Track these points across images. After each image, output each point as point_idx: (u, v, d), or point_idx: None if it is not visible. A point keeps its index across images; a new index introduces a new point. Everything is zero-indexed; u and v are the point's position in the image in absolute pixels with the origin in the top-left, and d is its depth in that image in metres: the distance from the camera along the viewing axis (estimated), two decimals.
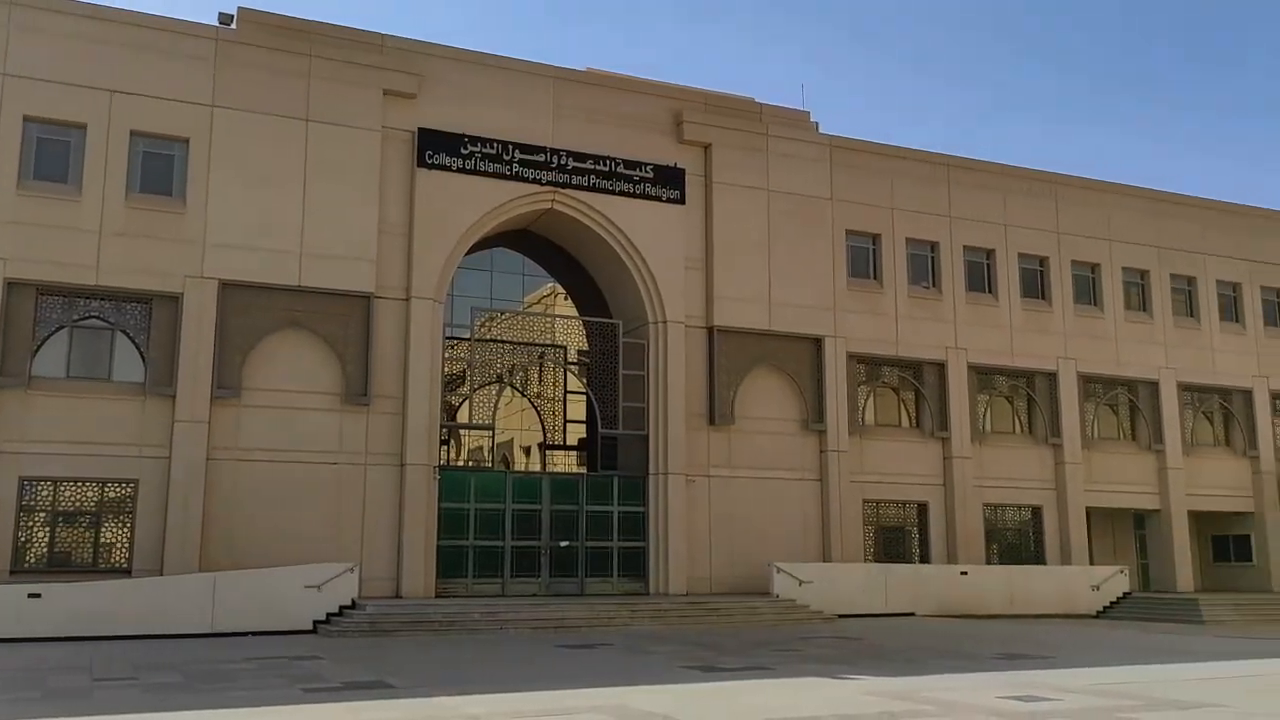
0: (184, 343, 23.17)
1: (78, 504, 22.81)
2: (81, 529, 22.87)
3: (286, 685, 13.53)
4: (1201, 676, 14.62)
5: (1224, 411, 35.79)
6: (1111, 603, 30.58)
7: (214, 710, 11.46)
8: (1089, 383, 33.48)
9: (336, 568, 22.18)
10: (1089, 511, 32.83)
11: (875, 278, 30.88)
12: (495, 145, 26.41)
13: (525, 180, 26.66)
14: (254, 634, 20.62)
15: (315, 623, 21.45)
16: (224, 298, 23.69)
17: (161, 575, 22.01)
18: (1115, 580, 31.02)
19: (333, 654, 17.32)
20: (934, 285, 31.63)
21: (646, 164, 27.94)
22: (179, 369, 23.10)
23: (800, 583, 26.36)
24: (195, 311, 23.33)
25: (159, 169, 23.94)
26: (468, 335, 27.07)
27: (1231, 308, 36.08)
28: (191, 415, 23.02)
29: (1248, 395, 35.55)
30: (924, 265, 31.70)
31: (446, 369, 26.68)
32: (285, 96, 24.72)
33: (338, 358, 24.57)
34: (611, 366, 27.89)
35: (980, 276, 32.35)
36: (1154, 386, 34.11)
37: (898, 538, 30.76)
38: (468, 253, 26.75)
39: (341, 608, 21.89)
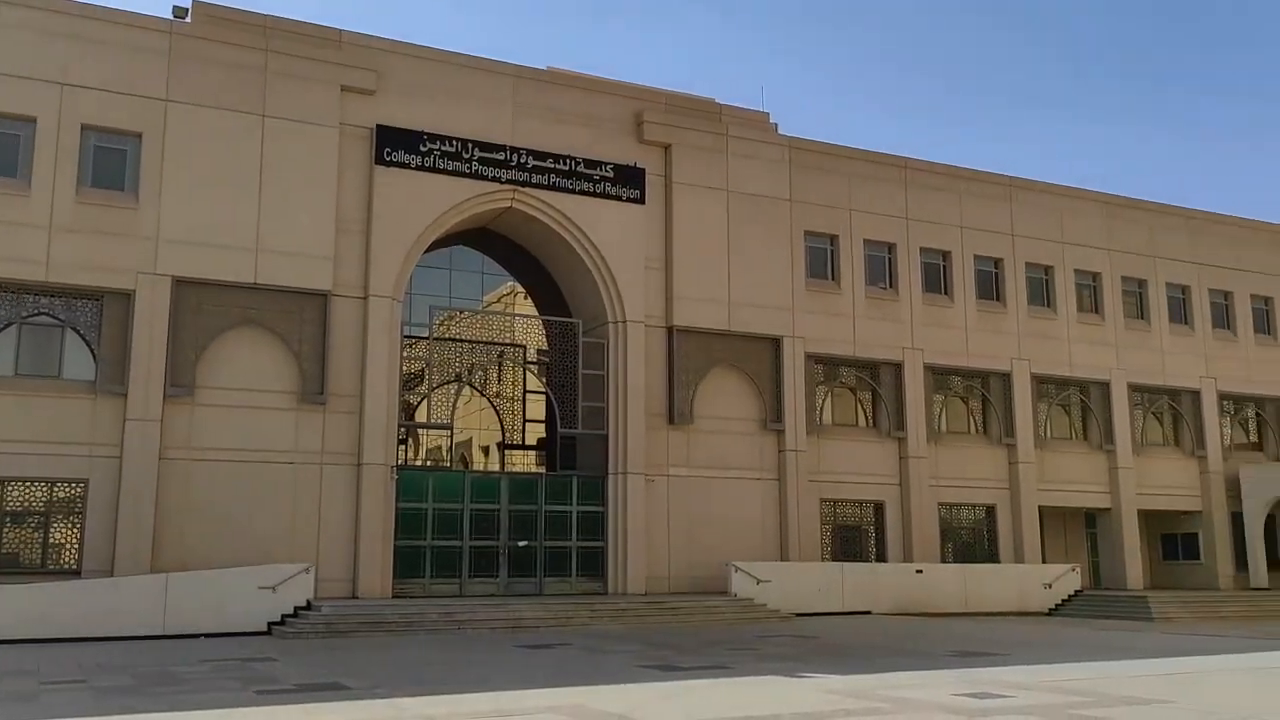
0: (136, 340, 22.82)
1: (26, 504, 22.39)
2: (30, 529, 22.44)
3: (240, 687, 13.38)
4: (1151, 673, 14.87)
5: (1173, 412, 36.45)
6: (1063, 600, 31.05)
7: (164, 713, 11.31)
8: (1042, 383, 33.95)
9: (291, 568, 21.96)
10: (1041, 510, 33.30)
11: (833, 278, 31.11)
12: (455, 143, 26.27)
13: (485, 179, 26.56)
14: (207, 636, 20.35)
15: (270, 624, 21.22)
16: (177, 295, 23.37)
17: (112, 576, 21.65)
18: (1067, 578, 31.50)
19: (287, 655, 17.15)
20: (891, 286, 31.91)
21: (607, 163, 27.93)
22: (131, 367, 22.75)
23: (758, 582, 26.50)
24: (148, 309, 22.98)
25: (111, 164, 23.56)
26: (426, 334, 26.91)
27: (1180, 310, 36.75)
28: (144, 414, 22.68)
29: (1196, 396, 36.24)
30: (881, 266, 31.97)
31: (405, 368, 26.52)
32: (241, 92, 24.42)
33: (294, 356, 24.32)
34: (571, 366, 27.84)
35: (936, 278, 32.69)
36: (1105, 387, 34.67)
37: (854, 537, 31.01)
38: (426, 251, 26.58)
39: (297, 609, 21.68)
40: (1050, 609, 30.66)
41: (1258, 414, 37.99)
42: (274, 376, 24.16)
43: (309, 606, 21.78)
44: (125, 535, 22.16)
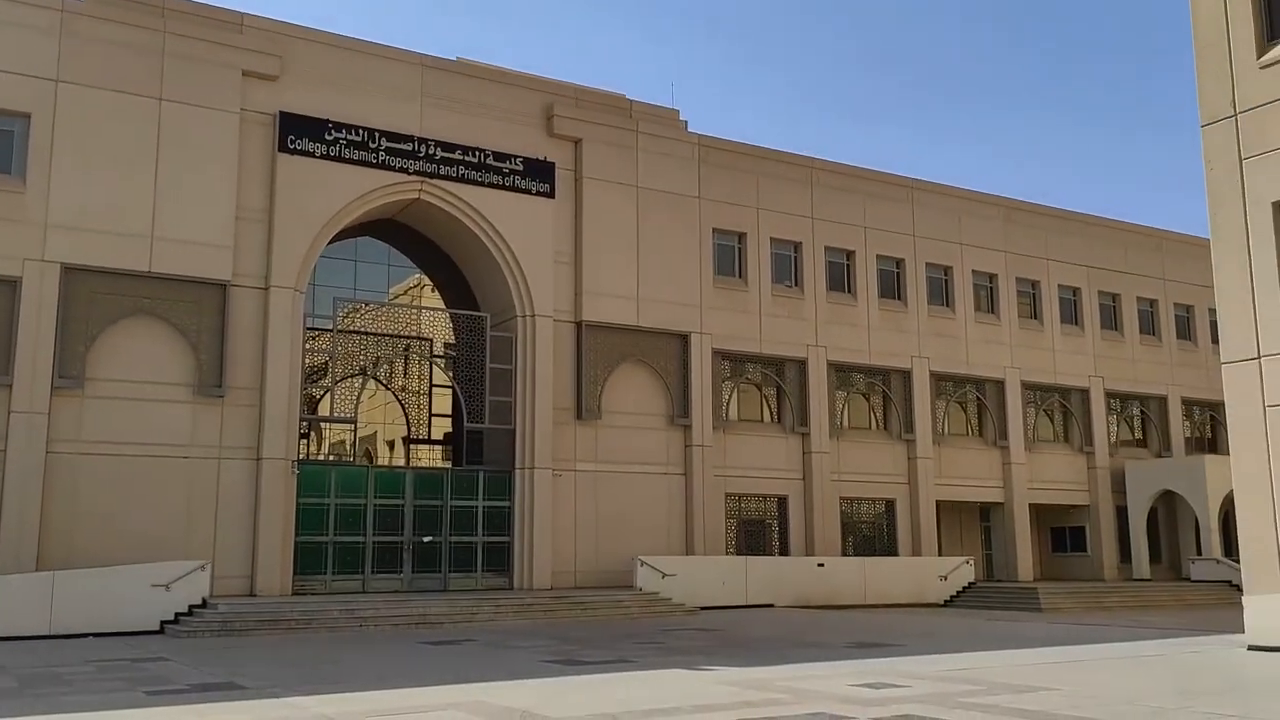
0: (22, 329, 21.95)
1: None
2: None
3: (128, 688, 12.99)
4: (1038, 661, 15.42)
5: (1063, 410, 37.81)
6: (958, 592, 31.98)
7: (48, 715, 10.92)
8: (940, 381, 34.88)
9: (186, 565, 21.37)
10: (939, 504, 34.24)
11: (740, 276, 31.47)
12: (361, 132, 25.85)
13: (392, 169, 26.19)
14: (96, 635, 19.70)
15: (163, 623, 20.63)
16: (67, 282, 22.54)
17: None
18: (962, 570, 32.44)
19: (181, 655, 16.70)
20: (796, 284, 32.43)
21: (516, 157, 27.79)
22: (16, 357, 21.88)
23: (663, 576, 26.70)
24: (35, 296, 22.12)
25: None
26: (330, 326, 26.44)
27: (1071, 311, 38.12)
28: (30, 406, 21.84)
29: (1084, 394, 37.65)
30: (787, 265, 32.47)
31: (307, 360, 26.01)
32: (137, 73, 23.65)
33: (191, 347, 23.67)
34: (479, 360, 27.65)
35: (840, 277, 33.33)
36: (1000, 385, 35.78)
37: (758, 531, 31.46)
38: (331, 241, 26.12)
39: (191, 607, 21.12)
40: (946, 600, 31.55)
41: (1142, 412, 39.64)
42: (170, 368, 23.49)
43: (204, 604, 21.24)
44: (9, 532, 21.32)
